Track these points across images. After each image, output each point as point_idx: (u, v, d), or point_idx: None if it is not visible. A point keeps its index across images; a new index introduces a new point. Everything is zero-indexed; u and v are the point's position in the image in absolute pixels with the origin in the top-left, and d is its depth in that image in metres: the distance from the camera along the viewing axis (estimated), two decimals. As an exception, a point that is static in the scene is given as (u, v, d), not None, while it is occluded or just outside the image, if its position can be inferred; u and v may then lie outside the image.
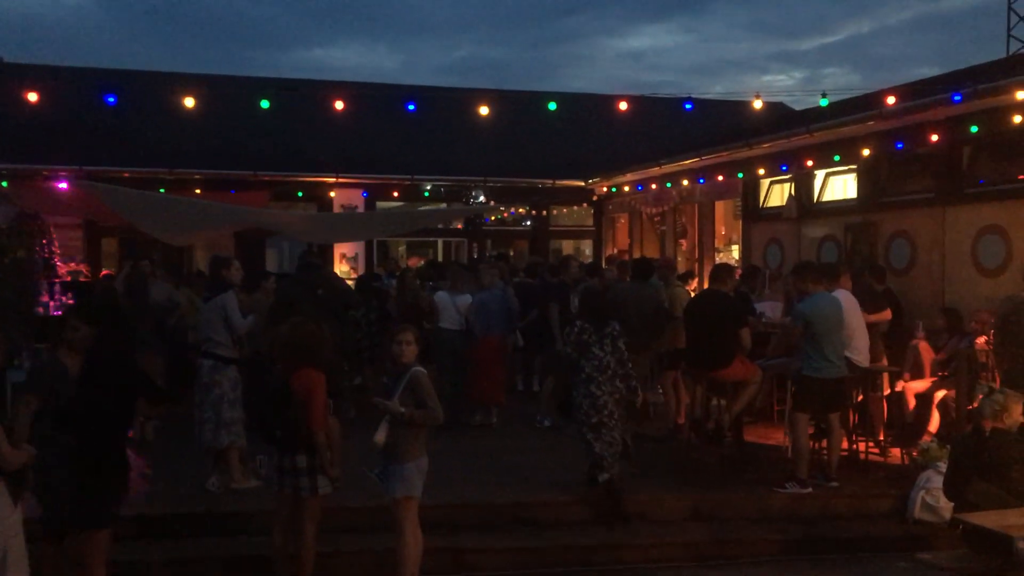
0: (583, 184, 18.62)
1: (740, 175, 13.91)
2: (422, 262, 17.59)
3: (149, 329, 9.75)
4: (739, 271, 11.25)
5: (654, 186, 16.58)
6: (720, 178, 14.44)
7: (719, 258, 15.27)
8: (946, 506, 7.06)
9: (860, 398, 9.06)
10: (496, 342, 10.36)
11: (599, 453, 7.44)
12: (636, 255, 16.08)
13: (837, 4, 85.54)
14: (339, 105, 11.12)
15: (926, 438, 8.70)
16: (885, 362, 9.18)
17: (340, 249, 18.00)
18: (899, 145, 10.79)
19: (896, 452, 8.71)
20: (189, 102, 10.99)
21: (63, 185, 14.41)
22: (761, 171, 13.47)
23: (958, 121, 9.96)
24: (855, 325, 8.34)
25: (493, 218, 20.04)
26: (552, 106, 12.75)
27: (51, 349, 5.76)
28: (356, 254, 18.21)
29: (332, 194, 17.95)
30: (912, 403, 9.11)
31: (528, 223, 20.10)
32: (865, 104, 11.43)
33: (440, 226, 19.90)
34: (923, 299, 10.34)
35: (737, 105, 17.66)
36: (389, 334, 7.02)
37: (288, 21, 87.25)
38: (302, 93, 14.96)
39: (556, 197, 19.30)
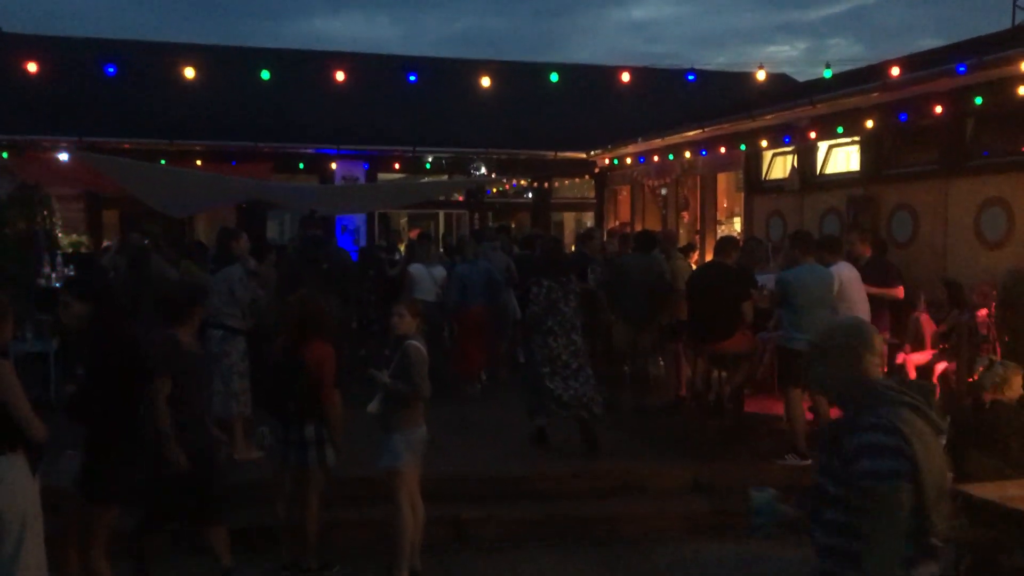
0: (585, 156, 18.55)
1: (742, 147, 13.84)
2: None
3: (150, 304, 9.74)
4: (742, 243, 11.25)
5: (656, 158, 16.51)
6: (722, 150, 14.38)
7: (721, 231, 15.24)
8: (945, 478, 7.10)
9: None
10: (478, 314, 10.42)
11: (542, 400, 7.86)
12: (638, 228, 16.05)
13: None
14: (340, 76, 11.08)
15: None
16: (887, 336, 9.19)
17: (341, 221, 17.98)
18: (903, 117, 10.73)
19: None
20: (190, 73, 10.96)
21: (64, 156, 14.39)
22: (764, 143, 13.41)
23: (962, 92, 9.89)
24: (855, 298, 8.32)
25: (495, 190, 19.99)
26: (554, 77, 12.70)
27: (167, 328, 5.56)
28: (358, 226, 18.20)
29: (333, 166, 17.90)
30: (913, 375, 9.13)
31: (529, 195, 20.06)
32: (869, 75, 11.36)
33: (442, 198, 19.86)
34: (925, 271, 10.32)
35: (740, 76, 17.61)
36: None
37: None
38: (303, 64, 14.92)
39: (558, 169, 19.25)
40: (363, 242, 17.34)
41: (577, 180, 20.55)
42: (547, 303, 7.88)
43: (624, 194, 19.19)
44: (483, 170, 18.21)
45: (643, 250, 9.97)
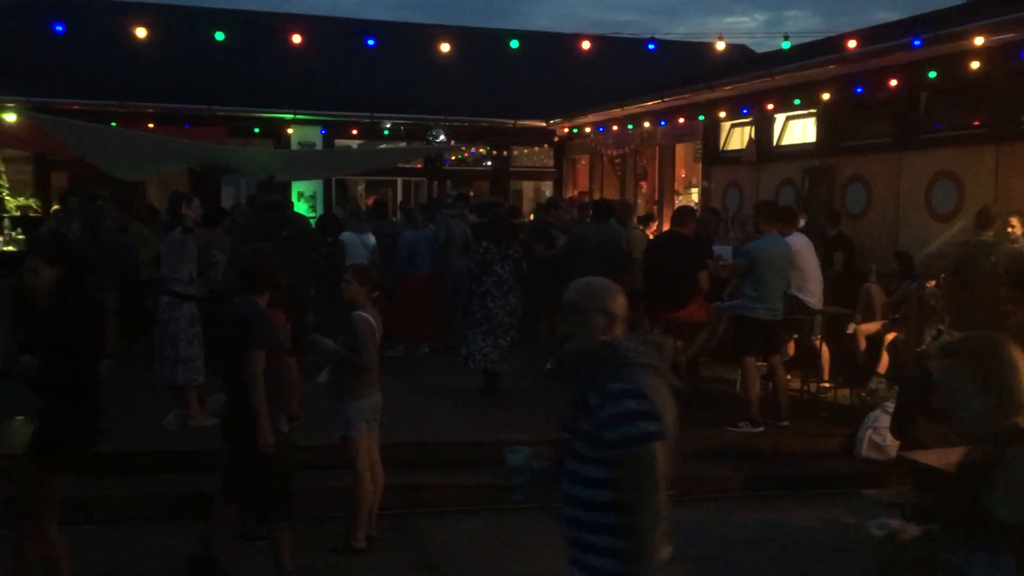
0: (544, 125, 18.50)
1: (701, 118, 13.90)
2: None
3: (105, 268, 9.59)
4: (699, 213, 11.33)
5: (615, 128, 16.53)
6: (681, 120, 14.43)
7: (679, 201, 15.33)
8: (892, 444, 7.28)
9: (818, 341, 9.26)
10: (423, 279, 11.18)
11: (473, 352, 8.60)
12: (596, 197, 16.08)
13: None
14: (297, 39, 10.88)
15: (875, 379, 8.93)
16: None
17: (298, 187, 17.76)
18: (859, 90, 10.84)
19: (846, 392, 8.93)
20: (142, 32, 10.65)
21: (11, 117, 14.01)
22: (722, 114, 13.48)
23: (917, 66, 10.01)
24: (809, 269, 8.48)
25: (454, 158, 19.86)
26: (514, 44, 12.57)
27: (248, 295, 5.27)
28: (314, 192, 18.00)
29: (290, 131, 17.64)
30: (863, 344, 9.31)
31: (489, 163, 19.98)
32: (827, 48, 11.43)
33: (401, 165, 19.69)
34: (878, 243, 10.50)
35: (700, 47, 17.58)
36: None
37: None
38: (259, 26, 14.61)
39: (517, 138, 19.17)
40: (320, 209, 17.16)
41: (536, 149, 20.49)
42: (483, 263, 8.52)
43: (583, 163, 19.20)
44: (442, 137, 18.05)
45: (600, 219, 10.01)
